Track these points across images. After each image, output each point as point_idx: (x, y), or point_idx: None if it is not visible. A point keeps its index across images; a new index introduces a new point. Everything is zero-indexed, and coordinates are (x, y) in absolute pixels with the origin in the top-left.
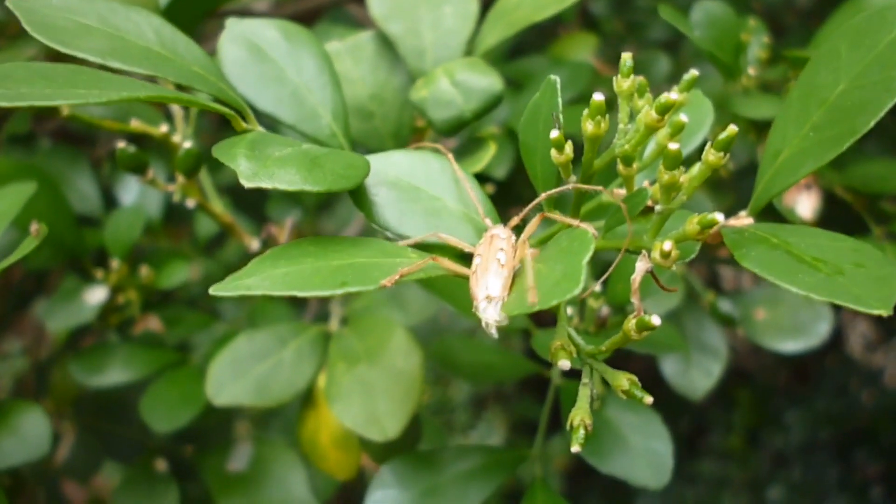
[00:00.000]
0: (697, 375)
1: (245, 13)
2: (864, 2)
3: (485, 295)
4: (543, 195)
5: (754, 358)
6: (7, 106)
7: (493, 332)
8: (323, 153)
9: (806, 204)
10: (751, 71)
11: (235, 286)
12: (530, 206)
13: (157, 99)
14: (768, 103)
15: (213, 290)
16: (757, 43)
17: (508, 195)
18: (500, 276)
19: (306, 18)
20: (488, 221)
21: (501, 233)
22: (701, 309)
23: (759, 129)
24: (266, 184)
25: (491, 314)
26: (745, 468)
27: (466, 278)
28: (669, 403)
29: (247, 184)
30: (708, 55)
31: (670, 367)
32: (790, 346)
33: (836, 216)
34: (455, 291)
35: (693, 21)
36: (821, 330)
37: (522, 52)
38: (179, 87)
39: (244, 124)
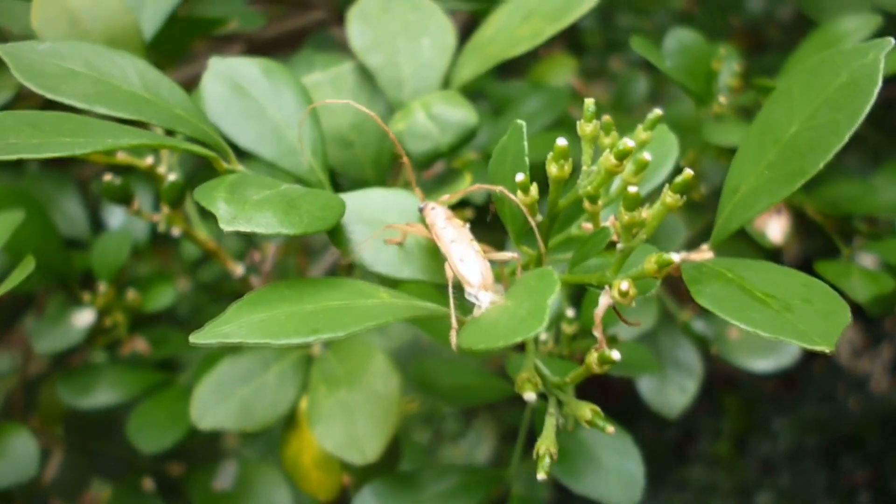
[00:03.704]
0: (673, 392)
1: (231, 37)
2: (831, 30)
3: (480, 283)
4: (474, 187)
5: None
6: None
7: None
8: (300, 194)
9: (776, 227)
10: (722, 99)
11: (214, 334)
12: (463, 190)
13: (142, 146)
14: (736, 130)
15: (192, 339)
16: (728, 71)
17: (485, 218)
18: (486, 264)
19: (291, 39)
20: (419, 191)
21: (451, 214)
22: (676, 327)
23: (732, 153)
24: (244, 227)
25: (487, 299)
26: (734, 474)
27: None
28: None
29: (226, 228)
30: (679, 85)
31: (646, 385)
32: (762, 364)
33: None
34: (433, 323)
35: (665, 49)
36: (792, 349)
37: (504, 70)
38: (168, 132)
39: (225, 165)
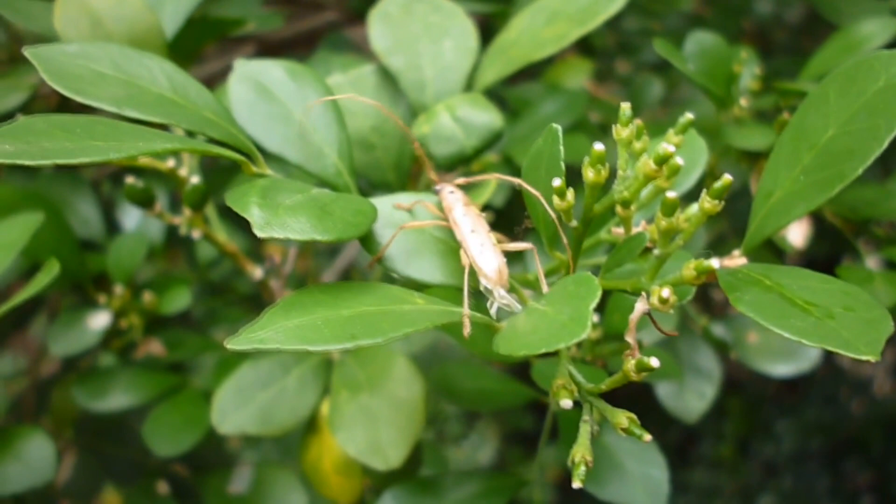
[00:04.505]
0: (691, 398)
1: (243, 38)
2: (851, 34)
3: (496, 279)
4: (493, 176)
5: (745, 368)
6: (32, 164)
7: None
8: (332, 199)
9: (797, 232)
10: (743, 102)
11: (249, 339)
12: (481, 177)
13: (174, 151)
14: (759, 134)
15: (228, 344)
16: (749, 73)
17: (506, 220)
18: (503, 259)
19: (304, 40)
20: (434, 175)
21: (469, 199)
22: (694, 332)
23: (751, 157)
24: (278, 233)
25: (502, 295)
26: (736, 477)
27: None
28: (661, 413)
29: (260, 234)
30: (701, 87)
31: (664, 390)
32: (782, 369)
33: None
34: (459, 328)
35: (686, 52)
36: (811, 353)
37: (519, 72)
38: (189, 133)
39: (254, 168)
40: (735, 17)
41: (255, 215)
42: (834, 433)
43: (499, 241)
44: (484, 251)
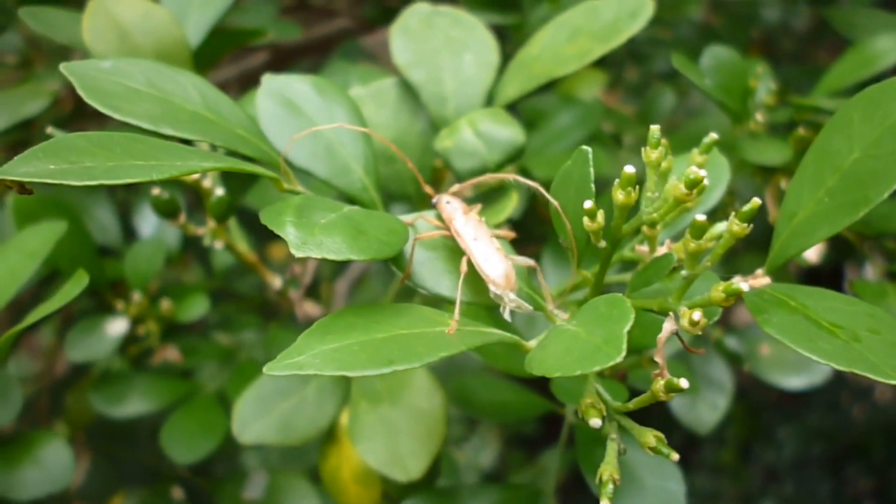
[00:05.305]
0: (704, 409)
1: (256, 46)
2: (865, 49)
3: (504, 284)
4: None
5: (746, 372)
6: (79, 185)
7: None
8: (364, 217)
9: (812, 248)
10: (759, 117)
11: (286, 365)
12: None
13: (212, 169)
14: (774, 149)
15: (266, 370)
16: (764, 88)
17: (522, 233)
18: (509, 263)
19: (317, 47)
20: (430, 189)
21: (468, 207)
22: (707, 344)
23: (766, 171)
24: (315, 253)
25: (512, 300)
26: (738, 483)
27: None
28: (662, 418)
29: (297, 253)
30: (717, 102)
31: (677, 401)
32: (794, 381)
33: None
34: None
35: (703, 66)
36: (824, 368)
37: None
38: (213, 147)
39: (286, 185)
40: (743, 26)
41: (290, 234)
42: (835, 439)
43: (503, 236)
44: (489, 258)
